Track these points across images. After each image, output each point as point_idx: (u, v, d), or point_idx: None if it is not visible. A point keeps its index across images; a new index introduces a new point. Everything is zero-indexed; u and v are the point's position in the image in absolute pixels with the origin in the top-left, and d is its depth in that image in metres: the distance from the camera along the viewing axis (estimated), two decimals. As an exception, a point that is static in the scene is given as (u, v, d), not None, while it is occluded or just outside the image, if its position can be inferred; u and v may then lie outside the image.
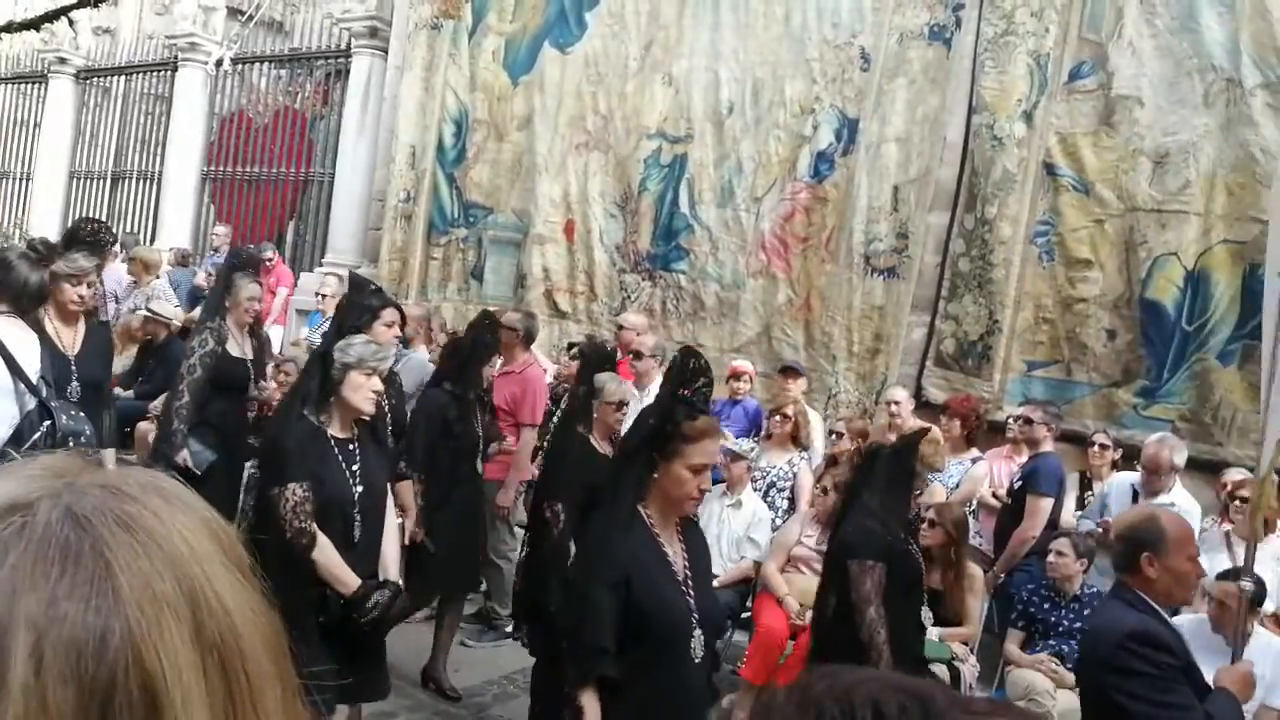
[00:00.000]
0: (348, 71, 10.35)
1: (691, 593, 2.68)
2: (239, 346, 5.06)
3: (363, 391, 3.37)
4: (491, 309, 6.09)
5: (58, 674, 0.54)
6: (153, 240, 11.18)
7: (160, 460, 4.88)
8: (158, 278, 8.53)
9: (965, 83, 6.77)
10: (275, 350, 8.47)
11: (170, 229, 11.53)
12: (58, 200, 13.09)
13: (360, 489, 3.39)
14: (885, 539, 3.61)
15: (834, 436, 6.28)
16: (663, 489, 2.67)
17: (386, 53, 10.01)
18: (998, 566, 5.46)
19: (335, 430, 3.40)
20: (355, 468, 3.39)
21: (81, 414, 3.70)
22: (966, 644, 4.87)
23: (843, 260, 7.16)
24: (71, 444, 3.39)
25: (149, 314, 7.28)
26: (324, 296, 8.28)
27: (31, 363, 3.58)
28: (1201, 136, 5.94)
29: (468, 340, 5.13)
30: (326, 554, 3.26)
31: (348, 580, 3.29)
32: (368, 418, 3.51)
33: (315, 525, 3.24)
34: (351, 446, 3.43)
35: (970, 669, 4.74)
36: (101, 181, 12.95)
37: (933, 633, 4.80)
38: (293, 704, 0.65)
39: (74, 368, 4.18)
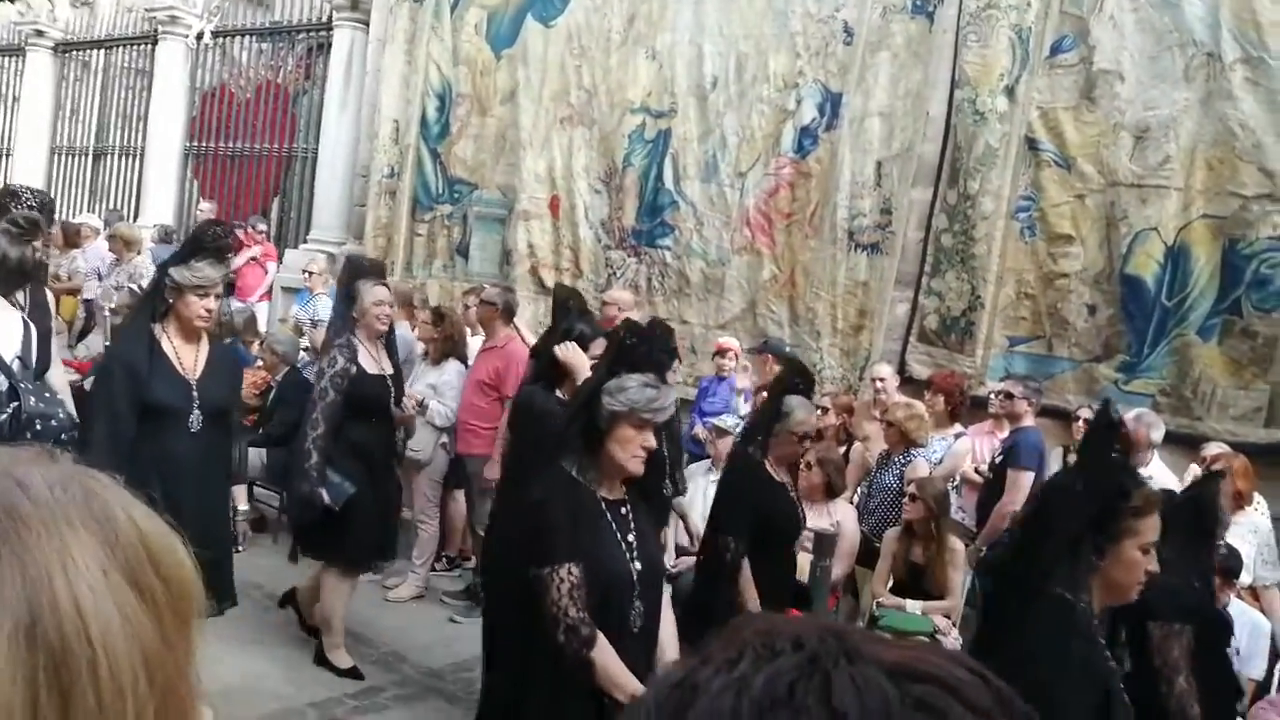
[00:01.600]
0: (330, 45, 10.27)
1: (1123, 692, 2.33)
2: (375, 363, 4.57)
3: (632, 447, 2.72)
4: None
5: None
6: (136, 217, 11.12)
7: (295, 500, 4.50)
8: (139, 254, 8.51)
9: (948, 57, 6.76)
10: (261, 328, 8.50)
11: (153, 205, 11.47)
12: (38, 175, 12.96)
13: (639, 565, 2.76)
14: (1191, 597, 3.19)
15: (819, 411, 6.35)
16: (1108, 577, 2.29)
17: (368, 25, 9.92)
18: (979, 540, 5.53)
19: (605, 491, 2.78)
20: (631, 537, 2.77)
21: (58, 397, 3.46)
22: (948, 617, 4.95)
23: (826, 236, 7.18)
24: (39, 426, 3.29)
25: (137, 291, 7.26)
26: (311, 274, 8.31)
27: (10, 343, 3.50)
28: (1181, 111, 5.96)
29: (643, 350, 4.75)
30: (606, 655, 2.61)
31: (631, 688, 2.58)
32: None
33: (590, 617, 2.62)
34: (624, 510, 2.80)
35: (952, 641, 4.81)
36: (83, 157, 12.85)
37: (914, 606, 4.90)
38: None
39: (196, 393, 3.68)
